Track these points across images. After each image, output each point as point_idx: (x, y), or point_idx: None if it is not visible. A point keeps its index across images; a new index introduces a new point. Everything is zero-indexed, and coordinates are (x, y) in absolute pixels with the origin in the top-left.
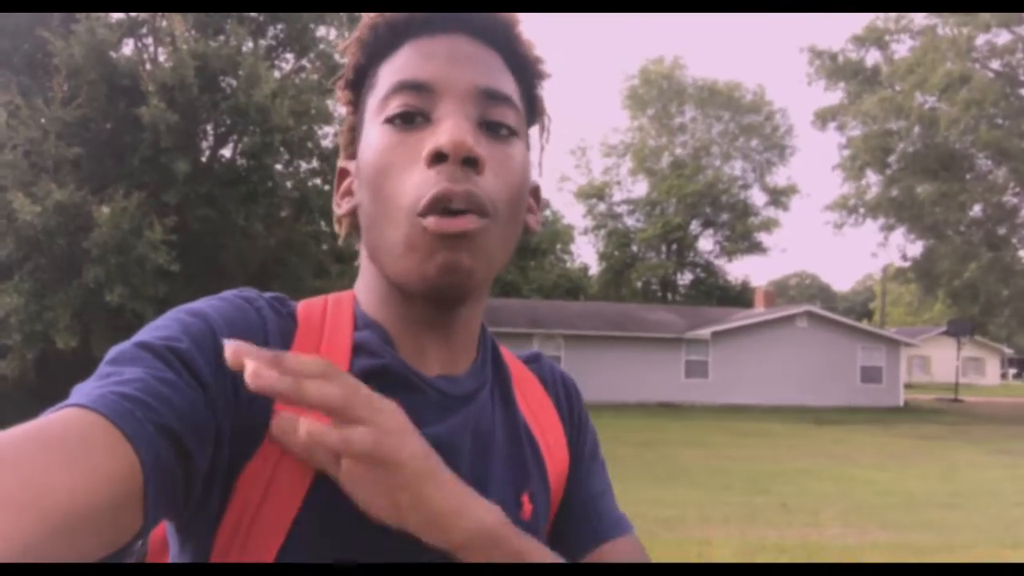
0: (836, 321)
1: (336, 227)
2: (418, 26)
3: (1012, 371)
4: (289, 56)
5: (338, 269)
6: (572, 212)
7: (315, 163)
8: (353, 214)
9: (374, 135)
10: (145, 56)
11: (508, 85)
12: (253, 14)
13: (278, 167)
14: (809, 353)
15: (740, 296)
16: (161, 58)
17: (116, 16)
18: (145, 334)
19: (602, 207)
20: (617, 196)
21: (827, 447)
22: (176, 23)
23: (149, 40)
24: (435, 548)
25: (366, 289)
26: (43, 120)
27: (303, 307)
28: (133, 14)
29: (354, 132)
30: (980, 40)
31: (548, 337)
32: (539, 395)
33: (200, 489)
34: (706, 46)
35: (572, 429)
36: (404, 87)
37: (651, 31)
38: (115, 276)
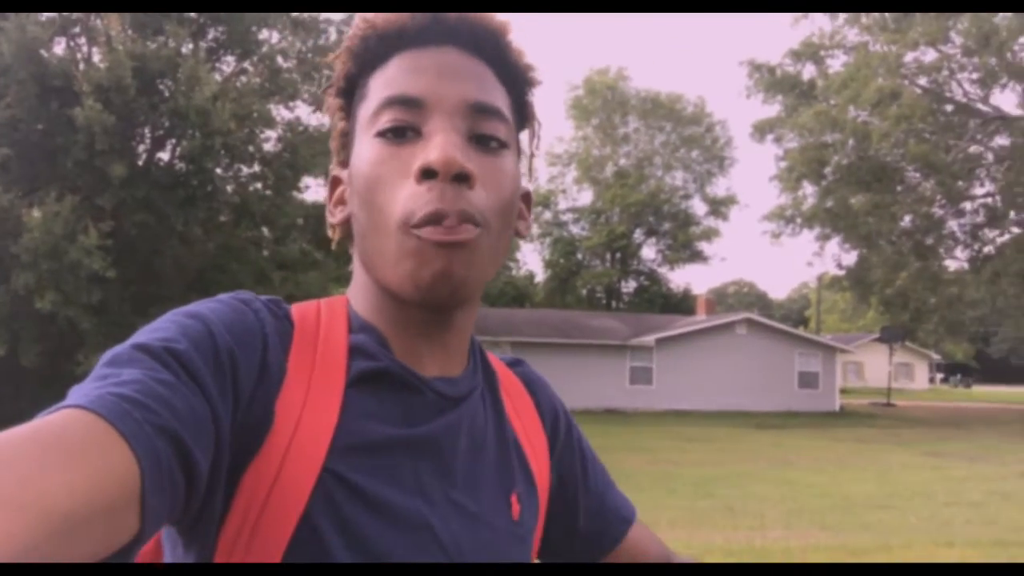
0: (774, 328)
1: (330, 232)
2: (409, 38)
3: (940, 376)
4: (230, 59)
5: (280, 276)
6: None
7: (256, 167)
8: (346, 223)
9: (366, 148)
10: (79, 56)
11: (498, 97)
12: (193, 14)
13: (218, 171)
14: (748, 359)
15: (682, 304)
16: (96, 58)
17: (47, 14)
18: (142, 336)
19: (548, 215)
20: (562, 204)
21: (767, 451)
22: (112, 22)
23: (83, 40)
24: (436, 540)
25: (359, 295)
26: None
27: (296, 311)
28: (65, 13)
29: (346, 140)
30: (908, 57)
31: (494, 344)
32: (523, 399)
33: (203, 490)
34: (649, 58)
35: (555, 432)
36: (395, 102)
37: (595, 41)
38: (46, 282)
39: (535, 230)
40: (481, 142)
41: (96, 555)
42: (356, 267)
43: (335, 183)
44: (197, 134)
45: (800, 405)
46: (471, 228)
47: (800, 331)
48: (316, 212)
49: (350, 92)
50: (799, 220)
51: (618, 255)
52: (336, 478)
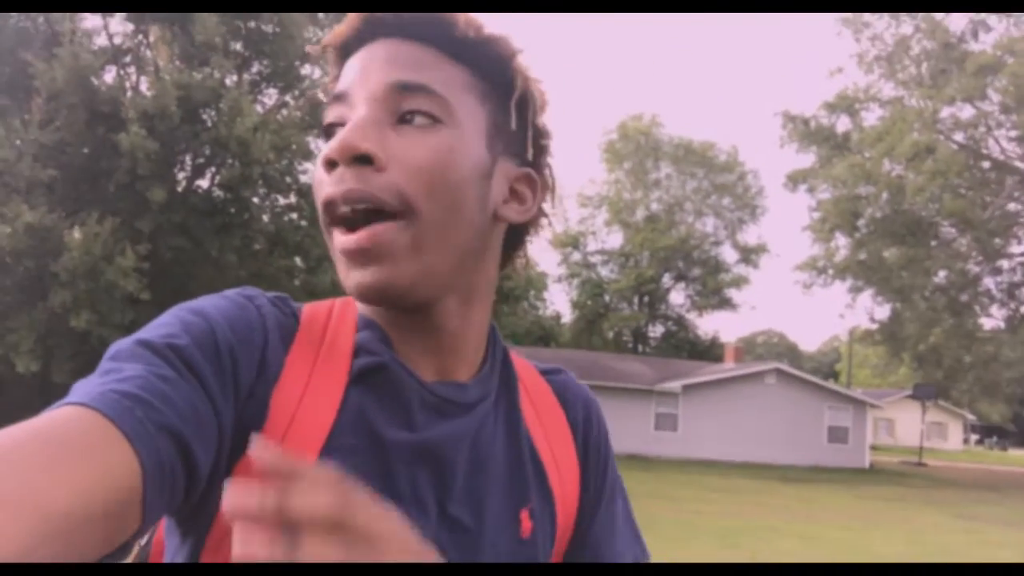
0: (804, 380)
1: None
2: (352, 45)
3: (975, 437)
4: (272, 91)
5: None
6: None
7: (293, 198)
8: None
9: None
10: (127, 84)
11: (433, 74)
12: (239, 48)
13: (255, 200)
14: (777, 410)
15: (709, 351)
16: (143, 87)
17: (100, 42)
18: (146, 332)
19: (577, 256)
20: (592, 246)
21: (793, 505)
22: (161, 53)
23: (132, 68)
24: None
25: None
26: (19, 141)
27: (308, 310)
28: (117, 42)
29: None
30: (945, 113)
31: None
32: (552, 409)
33: (203, 485)
34: (683, 106)
35: (588, 452)
36: (335, 99)
37: (630, 88)
38: (83, 301)
39: (563, 270)
40: (408, 120)
41: (97, 552)
42: None
43: None
44: (236, 163)
45: (828, 460)
46: (377, 228)
47: (831, 384)
48: None
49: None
50: (831, 271)
51: (646, 299)
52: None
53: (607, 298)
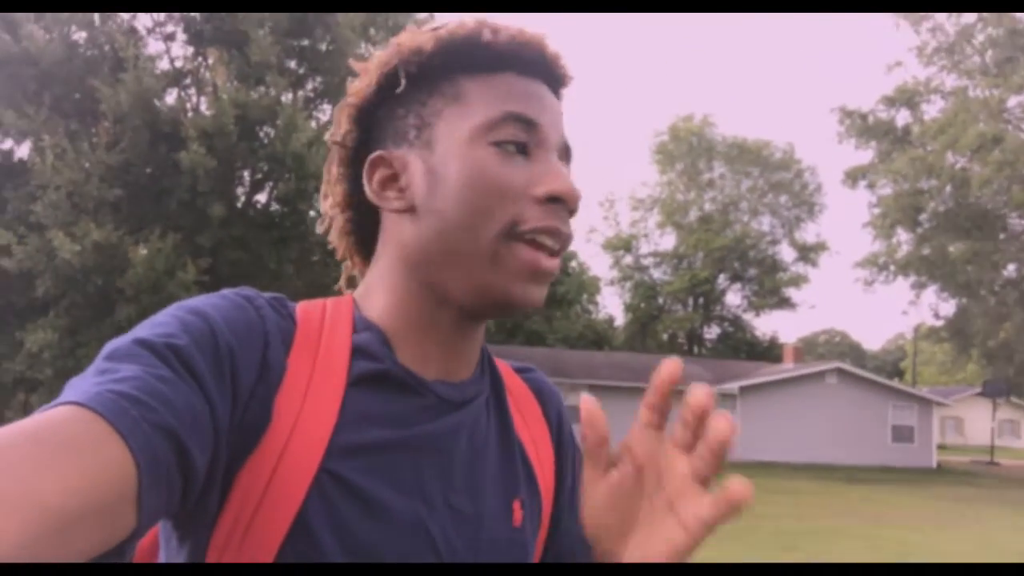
0: (866, 379)
1: (328, 215)
2: (521, 63)
3: None
4: (327, 107)
5: None
6: (599, 263)
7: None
8: (403, 212)
9: (479, 152)
10: (187, 104)
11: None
12: (293, 66)
13: (311, 213)
14: (839, 410)
15: (768, 351)
16: (203, 107)
17: (162, 66)
18: (143, 331)
19: (629, 259)
20: (644, 248)
21: (857, 506)
22: (219, 74)
23: (192, 90)
24: (430, 543)
25: (377, 294)
26: (87, 163)
27: (302, 309)
28: (179, 64)
29: (419, 126)
30: (1012, 102)
31: (572, 387)
32: (531, 406)
33: (200, 487)
34: (736, 105)
35: (561, 444)
36: (519, 119)
37: (681, 88)
38: (147, 315)
39: (615, 274)
40: None
41: (93, 551)
42: (387, 267)
43: (387, 164)
44: (292, 177)
45: (894, 460)
46: (558, 262)
47: (895, 383)
48: None
49: (421, 76)
50: (893, 268)
51: (701, 300)
52: (332, 478)
53: (661, 300)
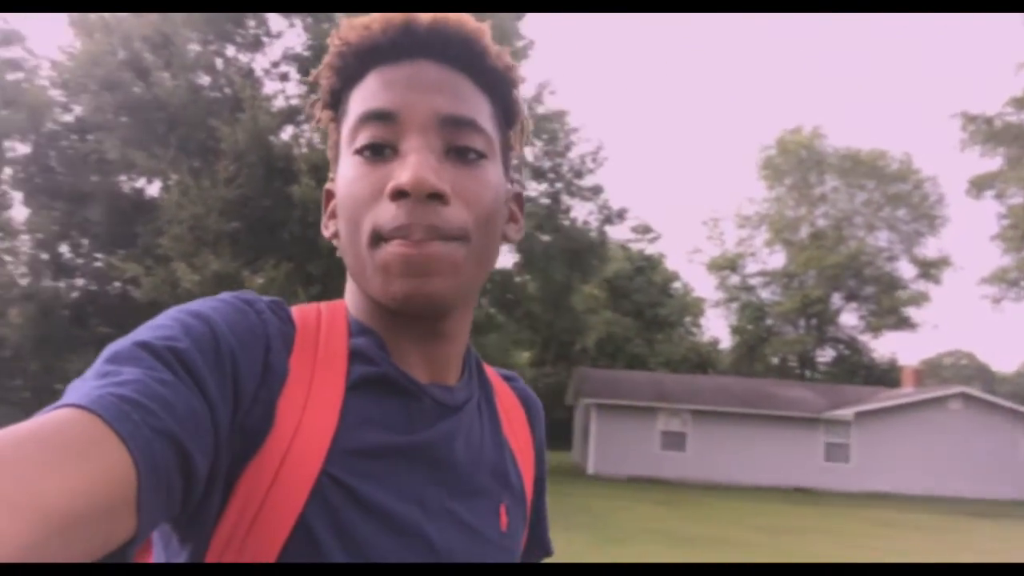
0: (995, 404)
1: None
2: (383, 53)
3: None
4: None
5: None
6: (703, 284)
7: None
8: (336, 237)
9: (346, 165)
10: (300, 140)
11: (475, 106)
12: None
13: None
14: (964, 438)
15: (887, 375)
16: (315, 141)
17: (278, 104)
18: (144, 333)
19: (735, 279)
20: (751, 267)
21: (985, 544)
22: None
23: (305, 126)
24: (428, 546)
25: (355, 301)
26: (208, 199)
27: (297, 313)
28: (293, 103)
29: (335, 154)
30: None
31: (674, 412)
32: (517, 412)
33: (201, 491)
34: (847, 115)
35: (539, 447)
36: (369, 117)
37: (789, 99)
38: None
39: (720, 294)
40: (460, 154)
41: (92, 555)
42: (348, 277)
43: (328, 197)
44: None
45: None
46: (441, 244)
47: None
48: (500, 277)
49: (335, 107)
50: None
51: (813, 321)
52: (334, 481)
53: (769, 322)
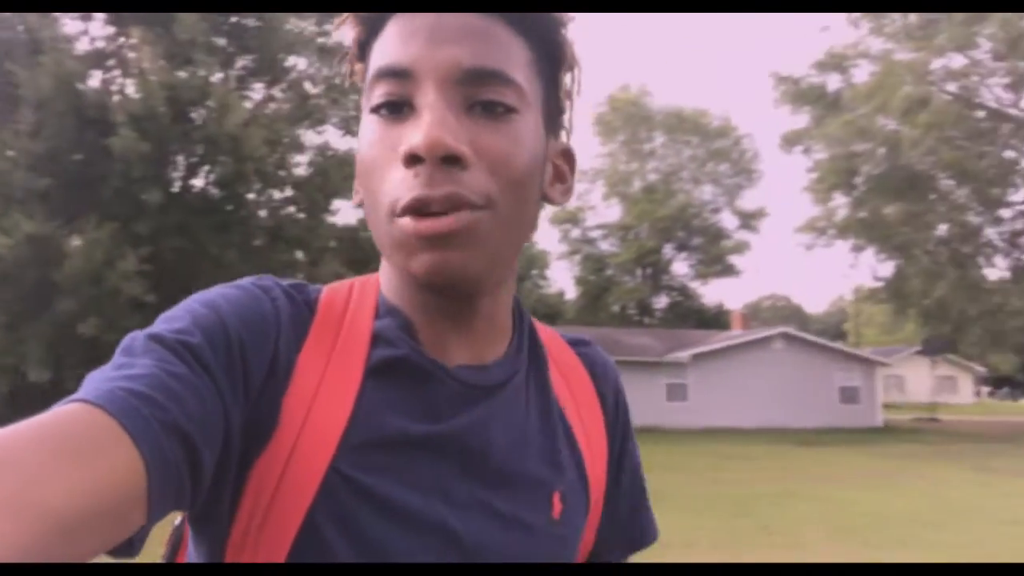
0: (812, 342)
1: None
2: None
3: (986, 389)
4: (259, 86)
5: None
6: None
7: (289, 192)
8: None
9: (364, 126)
10: (113, 87)
11: (506, 55)
12: (222, 43)
13: (251, 196)
14: (787, 374)
15: (716, 319)
16: (130, 89)
17: (83, 47)
18: (158, 325)
19: (576, 232)
20: (591, 221)
21: (809, 468)
22: (144, 54)
23: (117, 71)
24: (453, 541)
25: (386, 275)
26: (11, 152)
27: (328, 293)
28: (100, 45)
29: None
30: (936, 64)
31: None
32: (583, 382)
33: (210, 485)
34: (670, 75)
35: (614, 420)
36: (384, 74)
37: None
38: (88, 307)
39: (563, 247)
40: (486, 109)
41: (99, 551)
42: None
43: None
44: (229, 160)
45: (841, 421)
46: (463, 215)
47: (839, 345)
48: (348, 234)
49: (363, 59)
50: (832, 231)
51: (649, 270)
52: (343, 478)
53: (610, 272)
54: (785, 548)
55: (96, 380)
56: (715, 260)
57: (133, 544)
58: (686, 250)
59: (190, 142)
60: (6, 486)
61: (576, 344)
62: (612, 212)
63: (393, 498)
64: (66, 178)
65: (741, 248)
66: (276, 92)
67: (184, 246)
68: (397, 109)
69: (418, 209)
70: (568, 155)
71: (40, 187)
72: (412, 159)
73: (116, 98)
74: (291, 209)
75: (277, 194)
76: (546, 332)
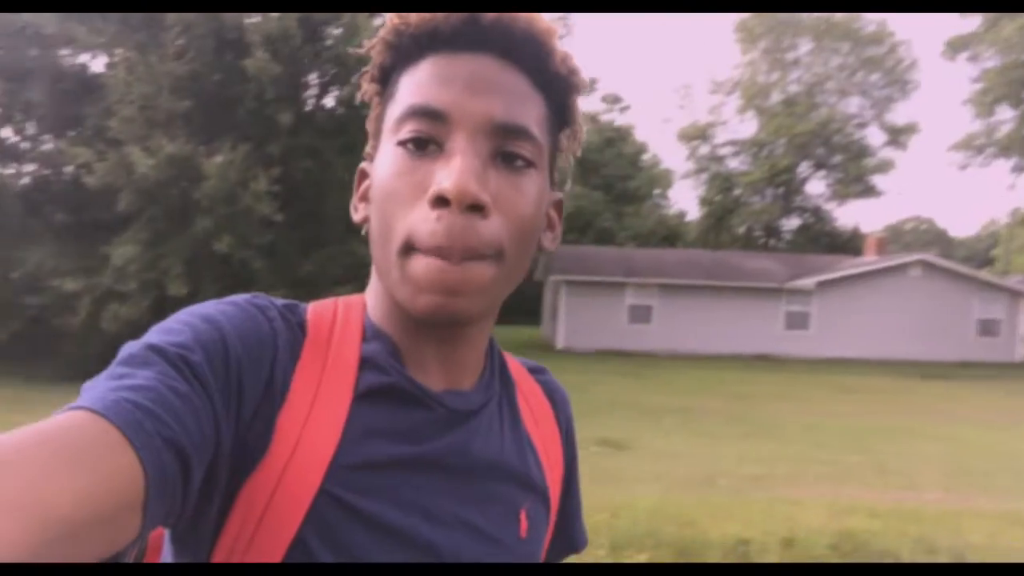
0: (952, 271)
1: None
2: (442, 40)
3: None
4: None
5: None
6: (673, 155)
7: None
8: (366, 222)
9: (388, 155)
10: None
11: (529, 110)
12: None
13: None
14: (922, 305)
15: (850, 243)
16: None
17: None
18: (157, 336)
19: (705, 149)
20: (722, 137)
21: (934, 404)
22: None
23: None
24: (437, 559)
25: (375, 297)
26: (157, 75)
27: (313, 314)
28: None
29: (377, 133)
30: None
31: (641, 286)
32: (543, 408)
33: (196, 501)
34: None
35: (568, 443)
36: (418, 112)
37: None
38: (223, 226)
39: (690, 165)
40: (507, 160)
41: (96, 557)
42: (373, 268)
43: (361, 177)
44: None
45: (976, 355)
46: (476, 266)
47: (982, 273)
48: None
49: (384, 83)
50: (992, 149)
51: (780, 190)
52: (333, 499)
53: (738, 191)
54: (898, 489)
55: (97, 389)
56: (855, 180)
57: (123, 556)
58: (824, 168)
59: (321, 62)
60: (8, 488)
61: (535, 372)
62: (746, 127)
63: (384, 518)
64: (205, 100)
65: (885, 167)
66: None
67: (313, 168)
68: (423, 146)
69: (438, 253)
70: (558, 204)
71: (181, 109)
72: (440, 201)
73: (254, 19)
74: None
75: None
76: (512, 361)
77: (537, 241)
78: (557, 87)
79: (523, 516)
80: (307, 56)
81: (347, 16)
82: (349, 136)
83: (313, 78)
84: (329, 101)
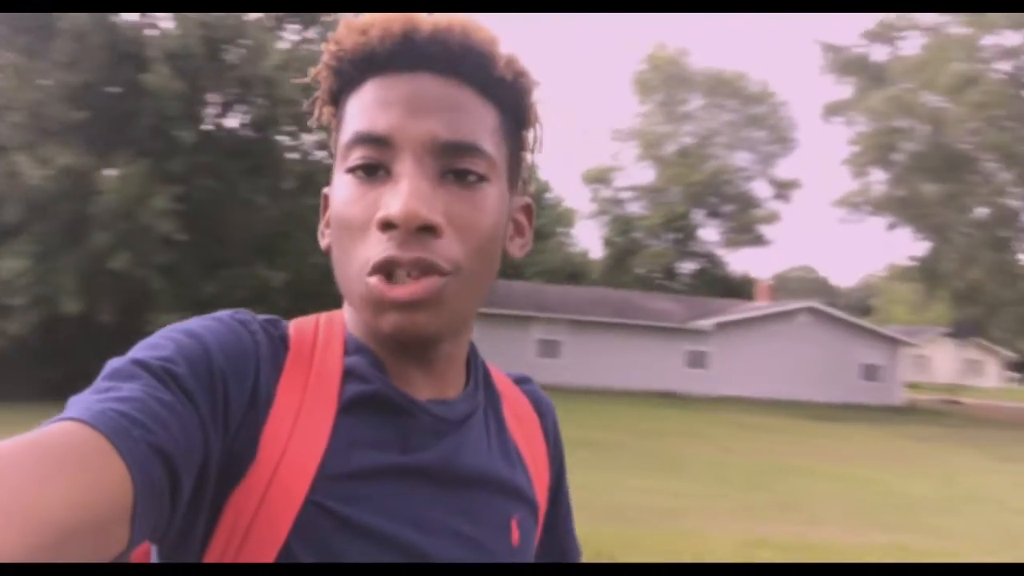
0: (837, 318)
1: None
2: (380, 62)
3: (1013, 375)
4: (296, 27)
5: None
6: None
7: (320, 136)
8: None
9: (340, 183)
10: (148, 22)
11: (478, 126)
12: None
13: (282, 140)
14: (810, 349)
15: (741, 288)
16: (164, 25)
17: None
18: (141, 352)
19: (607, 192)
20: (621, 182)
21: (826, 444)
22: None
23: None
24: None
25: (352, 317)
26: (48, 82)
27: (295, 329)
28: None
29: (334, 155)
30: (988, 41)
31: (551, 321)
32: (530, 419)
33: (184, 513)
34: (712, 40)
35: (555, 452)
36: (363, 139)
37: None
38: (121, 242)
39: (593, 207)
40: (458, 177)
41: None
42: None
43: (326, 203)
44: (264, 102)
45: (860, 398)
46: (430, 281)
47: (865, 322)
48: None
49: (336, 103)
50: (867, 207)
51: (677, 235)
52: (320, 509)
53: (637, 234)
54: (801, 524)
55: (83, 402)
56: (745, 228)
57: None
58: (716, 217)
59: (224, 82)
60: (2, 495)
61: (520, 382)
62: (645, 174)
63: (370, 526)
64: (101, 112)
65: (772, 218)
66: (311, 34)
67: (215, 186)
68: (372, 171)
69: (388, 270)
70: (527, 209)
71: (75, 119)
72: (387, 226)
73: (151, 33)
74: (323, 154)
75: (309, 139)
76: (497, 374)
77: (500, 250)
78: (506, 93)
79: (514, 526)
80: (210, 74)
81: (252, 36)
82: (254, 158)
83: (215, 97)
84: (232, 121)
